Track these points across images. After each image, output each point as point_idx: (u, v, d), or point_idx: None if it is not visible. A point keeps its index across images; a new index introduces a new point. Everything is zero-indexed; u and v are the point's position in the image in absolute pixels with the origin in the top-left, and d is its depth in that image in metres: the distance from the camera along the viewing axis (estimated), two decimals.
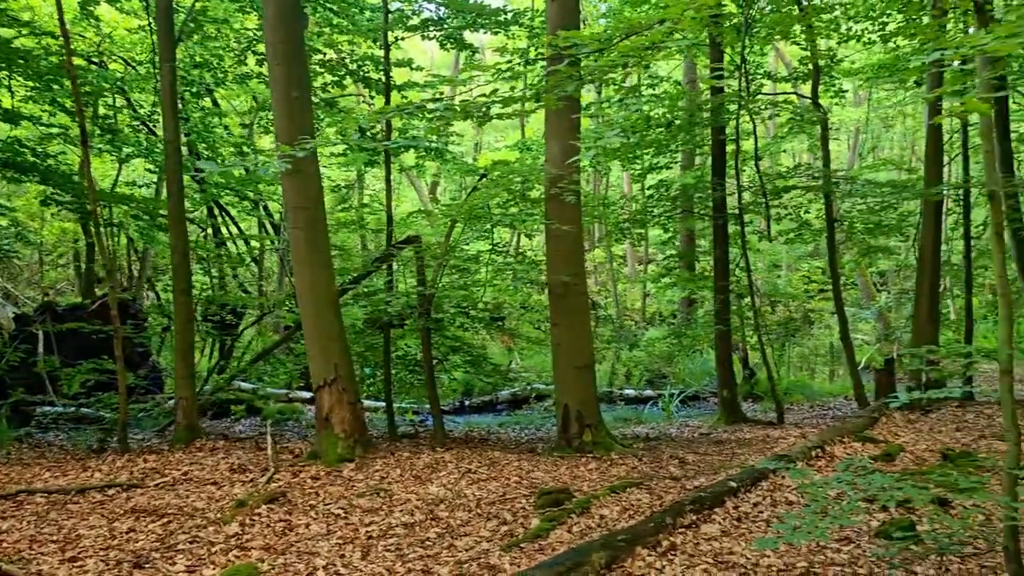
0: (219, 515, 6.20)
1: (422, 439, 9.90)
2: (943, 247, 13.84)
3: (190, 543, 5.55)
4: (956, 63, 8.69)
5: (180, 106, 11.50)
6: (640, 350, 17.76)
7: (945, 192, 11.90)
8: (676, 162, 16.99)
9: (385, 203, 10.61)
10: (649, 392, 15.15)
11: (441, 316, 10.17)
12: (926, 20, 10.93)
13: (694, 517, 5.78)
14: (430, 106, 4.26)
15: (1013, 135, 13.56)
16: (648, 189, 13.84)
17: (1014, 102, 13.33)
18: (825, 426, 10.28)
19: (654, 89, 13.60)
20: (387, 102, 10.20)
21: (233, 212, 16.67)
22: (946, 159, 13.64)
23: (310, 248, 8.22)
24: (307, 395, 12.73)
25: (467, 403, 14.69)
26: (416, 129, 9.64)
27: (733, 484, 6.52)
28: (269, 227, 17.26)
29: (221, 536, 5.69)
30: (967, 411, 10.69)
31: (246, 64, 12.73)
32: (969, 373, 11.46)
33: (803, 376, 17.08)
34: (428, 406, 10.65)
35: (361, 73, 11.61)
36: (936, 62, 3.79)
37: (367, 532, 5.81)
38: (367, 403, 12.49)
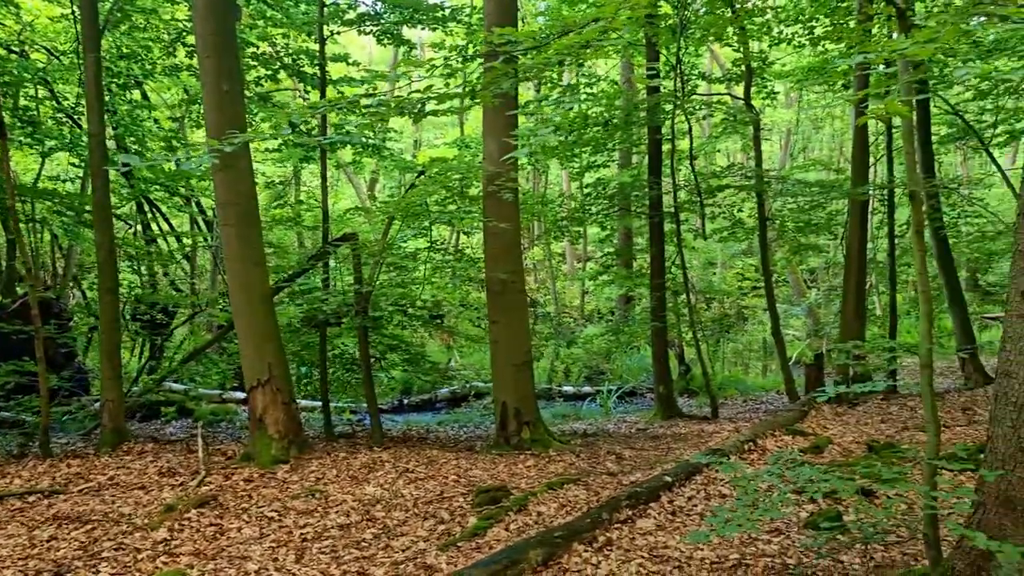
0: (146, 521, 6.02)
1: (359, 439, 9.78)
2: (869, 245, 14.29)
3: (115, 550, 5.37)
4: (881, 66, 8.97)
5: (106, 98, 11.12)
6: (578, 347, 17.90)
7: (871, 192, 12.28)
8: (613, 161, 17.16)
9: (321, 200, 10.45)
10: (587, 388, 15.28)
11: (379, 314, 10.06)
12: (853, 24, 11.25)
13: (630, 512, 5.84)
14: (364, 102, 4.20)
15: (934, 138, 14.09)
16: (586, 187, 13.96)
17: (935, 106, 13.82)
18: (757, 420, 10.50)
19: (592, 88, 13.70)
20: (323, 97, 10.04)
21: (164, 208, 16.21)
22: (872, 160, 14.07)
23: (242, 245, 8.03)
24: (241, 395, 12.47)
25: (406, 402, 14.59)
26: (352, 125, 9.51)
27: (668, 479, 6.61)
28: (202, 224, 16.84)
29: (148, 542, 5.52)
30: (891, 404, 11.06)
31: (175, 56, 12.37)
32: (892, 367, 11.93)
33: (737, 371, 17.44)
34: (366, 405, 10.53)
35: (296, 67, 11.40)
36: (861, 65, 3.90)
37: (301, 534, 5.71)
38: (303, 403, 12.30)
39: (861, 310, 12.12)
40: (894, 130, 13.14)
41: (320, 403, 10.36)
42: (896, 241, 13.21)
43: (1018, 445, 3.84)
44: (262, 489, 6.95)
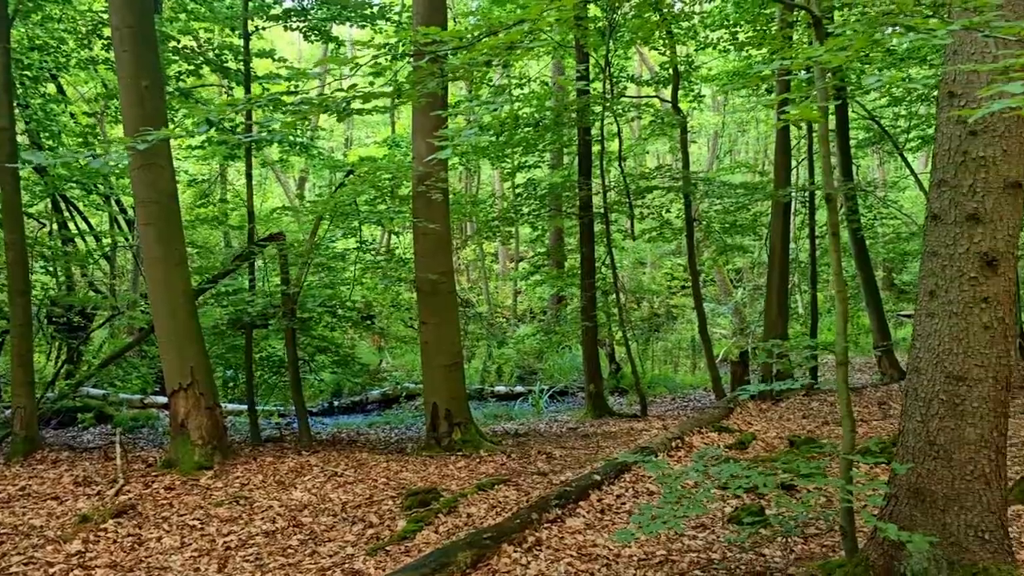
0: (59, 533, 5.77)
1: (287, 443, 9.59)
2: (792, 246, 14.73)
3: (25, 564, 5.13)
4: (802, 72, 9.25)
5: (18, 92, 10.64)
6: (510, 347, 17.94)
7: (792, 194, 12.64)
8: (544, 161, 17.26)
9: (247, 199, 10.21)
10: (520, 388, 15.33)
11: (307, 316, 9.88)
12: (774, 31, 11.56)
13: (559, 511, 5.87)
14: (286, 99, 4.12)
15: (853, 142, 14.59)
16: (517, 188, 14.00)
17: (854, 112, 14.31)
18: (685, 417, 10.70)
19: (523, 89, 13.74)
20: (247, 93, 9.82)
21: (82, 206, 15.59)
22: (794, 163, 14.49)
23: (163, 245, 7.79)
24: (164, 400, 12.09)
25: (336, 404, 14.38)
26: (276, 123, 9.30)
27: (597, 477, 6.67)
28: (123, 223, 16.26)
29: (61, 555, 5.29)
30: (813, 399, 11.42)
31: (92, 49, 11.92)
32: (813, 364, 12.30)
33: (666, 369, 17.73)
34: (294, 408, 10.33)
35: (220, 63, 11.11)
36: (783, 70, 4.00)
37: (225, 543, 5.56)
38: (230, 407, 12.01)
39: (784, 309, 12.47)
40: (814, 134, 13.55)
41: (246, 407, 10.12)
42: (817, 242, 13.64)
43: (927, 439, 4.00)
44: (184, 497, 6.74)
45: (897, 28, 3.21)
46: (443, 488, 6.90)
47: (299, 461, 8.00)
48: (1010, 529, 4.52)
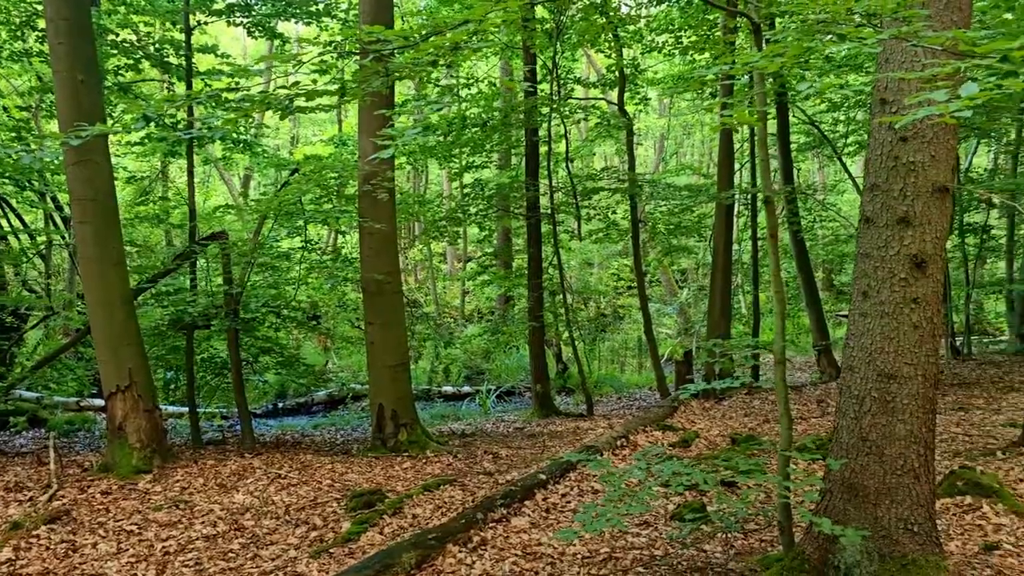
0: None
1: (230, 445, 9.43)
2: (735, 247, 15.01)
3: None
4: (744, 77, 9.44)
5: None
6: (457, 347, 17.93)
7: (735, 196, 12.88)
8: (492, 162, 17.28)
9: (188, 197, 10.00)
10: (467, 388, 15.33)
11: (251, 316, 9.73)
12: (718, 35, 11.77)
13: (505, 511, 5.89)
14: (226, 95, 4.05)
15: (793, 146, 14.93)
16: (465, 188, 13.99)
17: (794, 117, 14.66)
18: (631, 416, 10.82)
19: (470, 89, 13.74)
20: (189, 89, 9.62)
21: (15, 203, 15.07)
22: (737, 166, 14.78)
23: (100, 244, 7.58)
24: (101, 403, 11.78)
25: (281, 405, 14.19)
26: (217, 120, 9.13)
27: (543, 476, 6.71)
28: (59, 220, 15.78)
29: None
30: (755, 398, 11.65)
31: (25, 41, 11.53)
32: (755, 363, 12.56)
33: (613, 369, 17.91)
34: (237, 410, 10.16)
35: (160, 57, 10.85)
36: (727, 75, 4.09)
37: (163, 548, 5.45)
38: (171, 409, 11.76)
39: (727, 309, 12.70)
40: (756, 138, 13.83)
41: (187, 409, 9.92)
42: (759, 243, 13.91)
43: (860, 435, 4.12)
44: (121, 502, 6.58)
45: (831, 36, 3.30)
46: (389, 489, 6.86)
47: (242, 464, 7.87)
48: (938, 522, 4.68)
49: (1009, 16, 11.85)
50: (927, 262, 3.98)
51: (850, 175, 14.36)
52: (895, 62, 4.04)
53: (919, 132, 3.95)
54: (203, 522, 6.01)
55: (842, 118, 14.68)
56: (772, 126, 13.74)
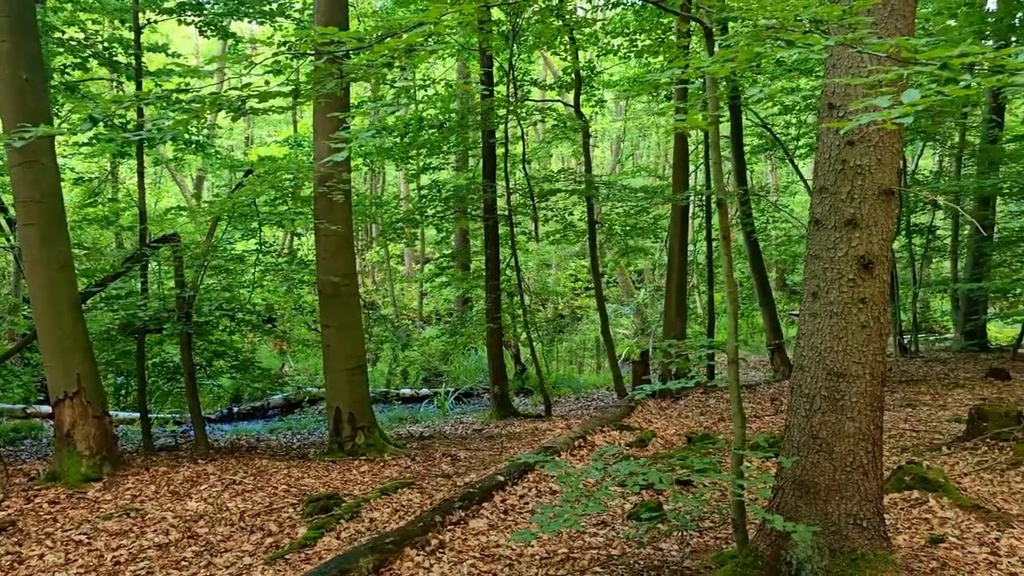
0: None
1: (183, 451, 9.27)
2: (690, 248, 15.20)
3: None
4: (698, 80, 9.56)
5: None
6: (415, 349, 17.86)
7: (690, 198, 13.04)
8: (449, 163, 17.26)
9: (139, 198, 9.80)
10: (425, 391, 15.27)
11: (204, 320, 9.56)
12: (673, 39, 11.91)
13: (463, 513, 5.88)
14: (176, 96, 3.98)
15: (746, 148, 15.18)
16: (422, 189, 13.94)
17: (747, 119, 14.89)
18: (588, 417, 10.89)
19: (427, 90, 13.70)
20: (139, 89, 9.44)
21: None
22: (692, 168, 14.96)
23: (46, 247, 7.39)
24: (48, 410, 11.48)
25: (236, 410, 13.97)
26: (167, 121, 8.97)
27: (501, 478, 6.72)
28: (3, 223, 15.34)
29: None
30: (710, 397, 11.81)
31: None
32: (710, 363, 12.73)
33: (571, 370, 17.99)
34: (191, 415, 9.98)
35: (108, 56, 10.61)
36: (681, 78, 4.14)
37: (114, 557, 5.33)
38: (122, 415, 11.52)
39: (683, 309, 12.85)
40: (710, 141, 14.03)
41: (139, 415, 9.71)
42: (714, 244, 14.11)
43: (810, 433, 4.20)
44: (69, 511, 6.42)
45: (780, 42, 3.36)
46: (346, 493, 6.81)
47: (195, 470, 7.74)
48: (887, 516, 4.80)
49: (952, 23, 12.23)
50: (874, 263, 4.07)
51: (802, 177, 14.65)
52: (842, 68, 4.13)
53: (865, 136, 4.05)
54: (155, 530, 5.90)
55: (794, 121, 14.96)
56: (726, 129, 13.96)
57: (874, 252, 4.07)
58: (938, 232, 17.49)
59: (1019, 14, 12.70)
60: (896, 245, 14.39)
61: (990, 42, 12.50)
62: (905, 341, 14.80)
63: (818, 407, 4.18)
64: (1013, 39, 12.73)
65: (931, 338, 18.00)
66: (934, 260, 18.70)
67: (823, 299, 4.18)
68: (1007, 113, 16.38)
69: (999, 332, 18.54)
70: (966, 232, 15.82)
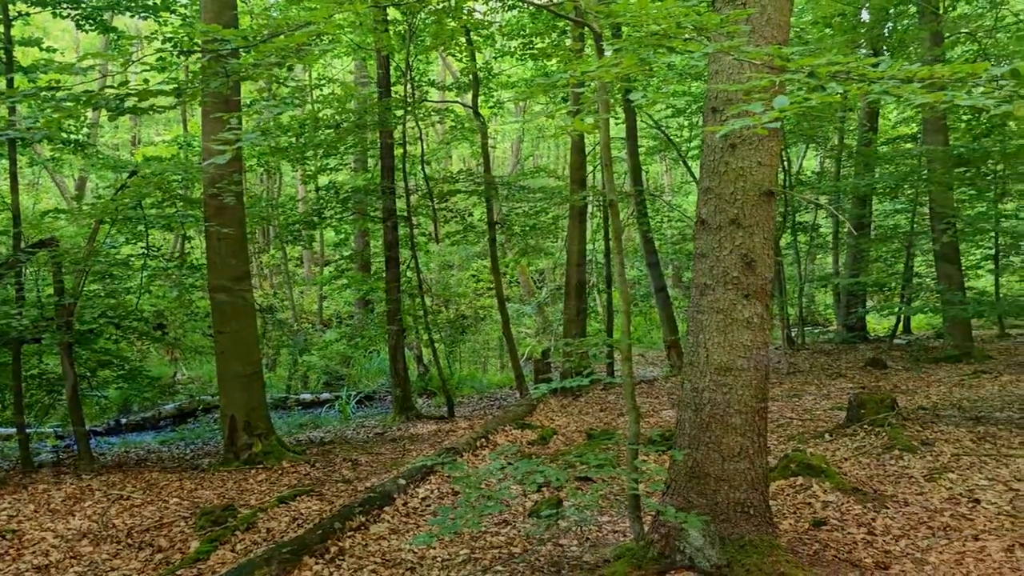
0: None
1: (66, 467, 8.79)
2: (589, 247, 15.47)
3: None
4: (594, 83, 9.75)
5: None
6: (314, 353, 17.51)
7: (588, 198, 13.27)
8: (347, 164, 16.99)
9: (11, 200, 9.23)
10: (327, 395, 14.99)
11: (86, 328, 9.10)
12: (569, 43, 12.09)
13: (363, 519, 5.81)
14: (47, 94, 3.78)
15: (641, 150, 15.57)
16: (320, 190, 13.69)
17: (642, 121, 15.28)
18: (491, 416, 10.93)
19: (322, 90, 13.46)
20: (10, 86, 8.89)
21: None
22: (590, 169, 15.24)
23: None
24: None
25: (124, 421, 13.33)
26: (40, 119, 8.49)
27: (402, 481, 6.67)
28: None
29: None
30: (610, 393, 12.05)
31: None
32: (608, 360, 12.99)
33: (475, 370, 18.02)
34: (73, 429, 9.47)
35: None
36: (577, 81, 4.21)
37: None
38: None
39: (582, 308, 13.07)
40: (600, 143, 14.32)
41: (15, 430, 9.15)
42: (611, 243, 14.40)
43: (700, 426, 4.35)
44: None
45: (663, 48, 3.47)
46: (242, 504, 6.62)
47: (78, 486, 7.36)
48: (773, 502, 5.02)
49: (828, 31, 12.89)
50: (756, 261, 4.25)
51: (694, 177, 15.12)
52: (724, 74, 4.30)
53: (746, 139, 4.22)
54: (33, 552, 5.58)
55: (686, 123, 15.46)
56: (621, 130, 14.27)
57: (756, 250, 4.25)
58: (820, 230, 18.41)
59: (888, 24, 13.51)
60: (783, 242, 15.06)
61: (864, 51, 13.26)
62: (792, 334, 15.50)
63: (706, 400, 4.33)
64: (885, 48, 13.54)
65: (816, 331, 18.90)
66: (818, 256, 19.67)
67: (709, 296, 4.33)
68: (880, 118, 17.40)
69: (877, 324, 19.68)
70: (846, 230, 16.70)
